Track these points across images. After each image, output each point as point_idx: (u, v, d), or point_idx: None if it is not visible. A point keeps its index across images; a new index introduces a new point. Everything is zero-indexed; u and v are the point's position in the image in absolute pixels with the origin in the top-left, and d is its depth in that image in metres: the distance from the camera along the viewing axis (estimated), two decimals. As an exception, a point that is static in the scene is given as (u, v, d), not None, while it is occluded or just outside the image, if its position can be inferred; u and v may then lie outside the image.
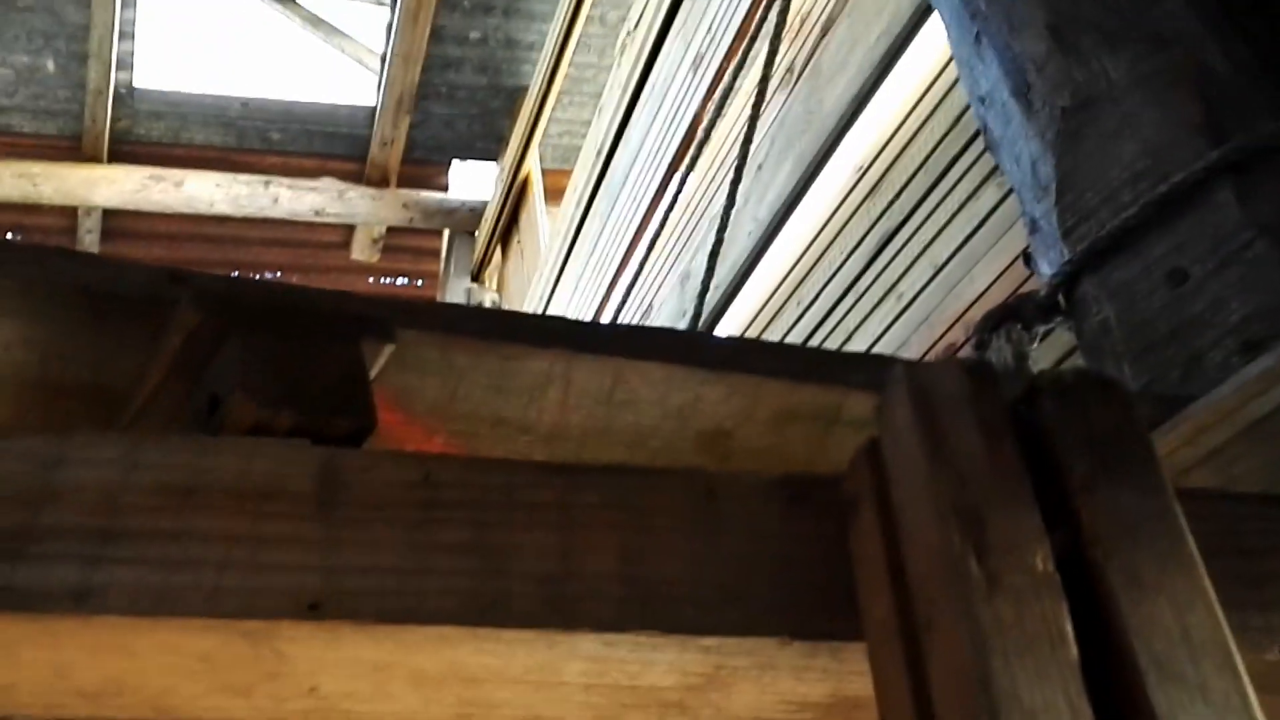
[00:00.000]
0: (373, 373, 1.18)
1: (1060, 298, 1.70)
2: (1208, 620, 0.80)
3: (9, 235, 8.08)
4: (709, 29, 4.85)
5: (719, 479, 1.05)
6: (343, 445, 1.02)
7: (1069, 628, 0.79)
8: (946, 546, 0.83)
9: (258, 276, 8.66)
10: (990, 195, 2.86)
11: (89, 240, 8.04)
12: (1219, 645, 0.79)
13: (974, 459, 0.88)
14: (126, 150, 8.03)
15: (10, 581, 0.88)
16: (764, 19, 3.99)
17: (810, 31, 3.90)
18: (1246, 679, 0.78)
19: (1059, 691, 0.75)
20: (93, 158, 7.87)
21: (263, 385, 1.03)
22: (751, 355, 1.46)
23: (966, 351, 2.19)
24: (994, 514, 0.85)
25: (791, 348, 1.94)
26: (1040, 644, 0.77)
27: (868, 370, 1.38)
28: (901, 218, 3.22)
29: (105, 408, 1.17)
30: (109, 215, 8.13)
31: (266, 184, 8.08)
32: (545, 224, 7.70)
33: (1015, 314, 1.73)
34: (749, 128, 3.67)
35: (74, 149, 7.89)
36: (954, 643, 0.79)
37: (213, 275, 1.14)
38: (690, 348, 1.43)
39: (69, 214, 8.08)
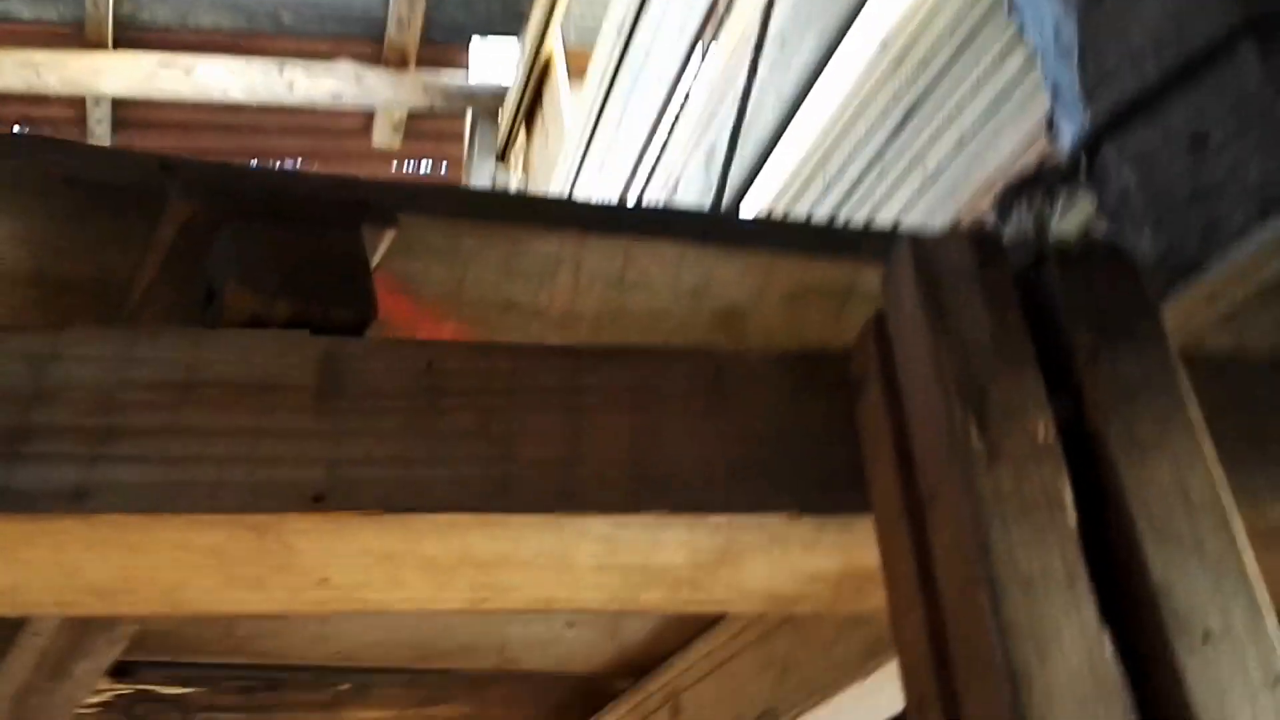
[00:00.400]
0: (375, 259, 1.18)
1: (1081, 165, 1.68)
2: (1206, 481, 0.81)
3: (15, 128, 8.03)
4: (728, -106, 4.76)
5: (727, 358, 1.05)
6: (344, 335, 1.03)
7: (1068, 494, 0.79)
8: (949, 418, 0.83)
9: (276, 164, 8.64)
10: (1015, 61, 2.82)
11: (100, 131, 7.98)
12: (1216, 505, 0.80)
13: (978, 331, 0.88)
14: (133, 36, 7.92)
15: (7, 482, 0.89)
16: (783, -118, 3.92)
17: (832, -106, 3.83)
18: (1243, 537, 0.78)
19: (1056, 557, 0.76)
20: (97, 44, 7.78)
21: (259, 275, 1.03)
22: (764, 232, 1.46)
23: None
24: (996, 385, 0.85)
25: (804, 223, 1.93)
26: (1039, 512, 0.78)
27: (881, 243, 1.38)
28: (926, 87, 3.18)
29: (106, 301, 1.18)
30: (119, 105, 8.06)
31: (281, 69, 8.00)
32: (569, 103, 7.63)
33: (1035, 183, 1.72)
34: (770, -4, 3.62)
35: (77, 35, 7.78)
36: (955, 513, 0.80)
37: (204, 163, 1.14)
38: (702, 226, 1.42)
39: (77, 105, 8.01)
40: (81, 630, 1.33)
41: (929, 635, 0.80)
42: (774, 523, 0.97)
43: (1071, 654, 0.72)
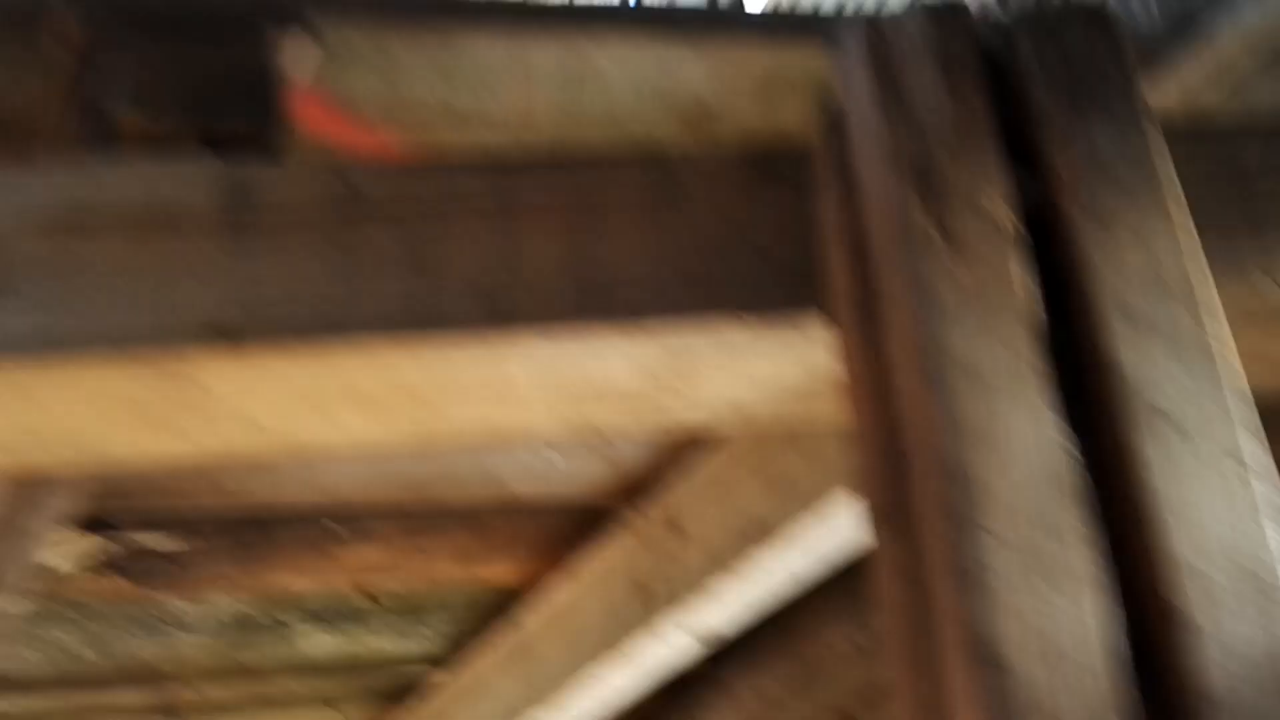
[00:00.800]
0: (301, 73, 1.12)
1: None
2: (1180, 262, 0.74)
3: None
4: None
5: (678, 162, 0.99)
6: (255, 156, 0.97)
7: (1028, 282, 0.73)
8: (901, 207, 0.77)
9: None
10: None
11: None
12: (1189, 286, 0.73)
13: (935, 110, 0.81)
14: None
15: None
16: None
17: None
18: (1220, 319, 0.72)
19: (1013, 351, 0.70)
20: None
21: (155, 95, 0.97)
22: (729, 19, 1.38)
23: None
24: (955, 168, 0.78)
25: (774, 8, 1.85)
26: (997, 303, 0.72)
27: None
28: None
29: (12, 139, 1.12)
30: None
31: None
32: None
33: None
34: None
35: None
36: (907, 308, 0.74)
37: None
38: (661, 17, 1.35)
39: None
40: (28, 487, 1.30)
41: (884, 440, 0.75)
42: (723, 328, 0.91)
43: (1025, 451, 0.67)
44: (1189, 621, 0.62)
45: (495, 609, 2.19)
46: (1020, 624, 0.62)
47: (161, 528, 1.81)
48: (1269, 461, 0.68)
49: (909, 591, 0.70)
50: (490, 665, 2.25)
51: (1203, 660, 0.61)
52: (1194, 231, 0.76)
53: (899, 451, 0.74)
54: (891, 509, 0.74)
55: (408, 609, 2.21)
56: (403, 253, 0.93)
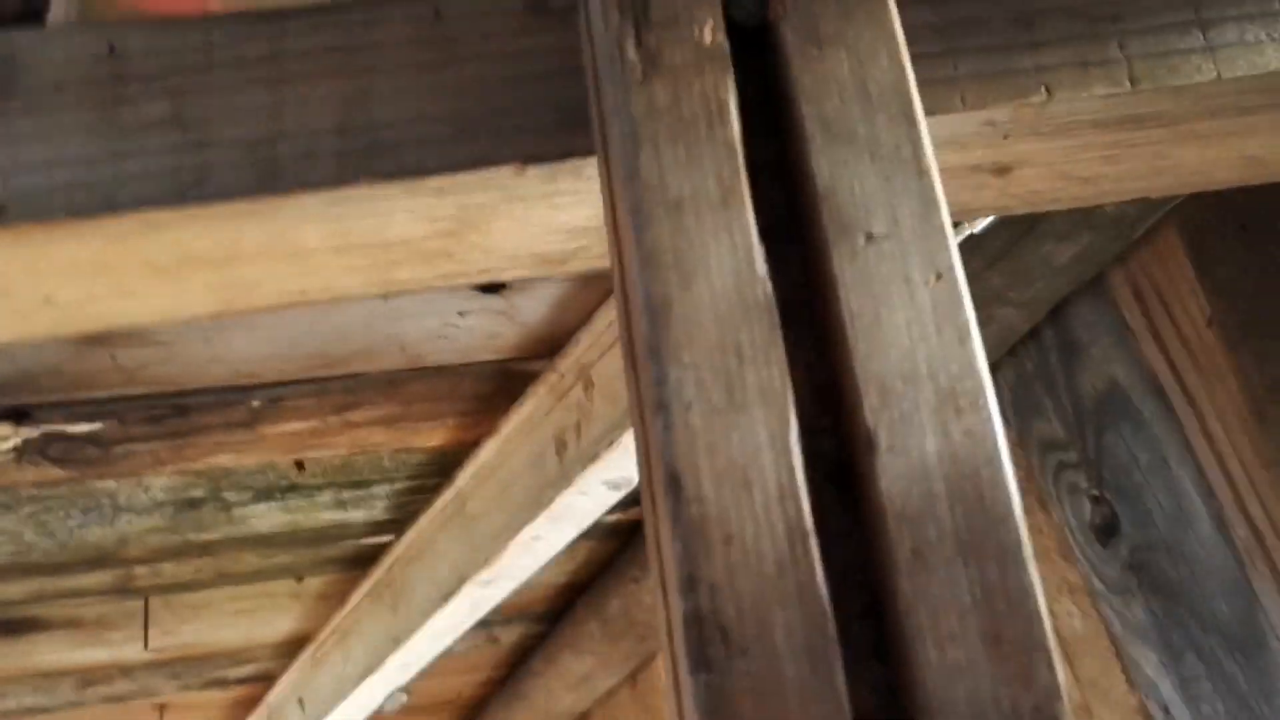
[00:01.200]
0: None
1: None
2: (890, 73, 0.70)
3: None
4: None
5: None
6: (19, 27, 0.93)
7: (731, 103, 0.69)
8: (613, 35, 0.73)
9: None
10: None
11: None
12: (898, 98, 0.69)
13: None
14: None
15: None
16: None
17: None
18: (923, 130, 0.68)
19: (710, 175, 0.66)
20: None
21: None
22: None
23: None
24: (669, -8, 0.74)
25: None
26: (696, 126, 0.68)
27: None
28: None
29: None
30: None
31: None
32: None
33: None
34: None
35: None
36: (618, 142, 0.71)
37: None
38: None
39: None
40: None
41: (618, 278, 0.73)
42: (501, 179, 0.89)
43: (718, 277, 0.64)
44: (879, 441, 0.60)
45: (435, 474, 2.19)
46: (710, 454, 0.60)
47: (71, 412, 1.80)
48: (960, 273, 0.64)
49: (641, 431, 0.68)
50: (434, 529, 2.25)
51: (890, 477, 0.59)
52: (903, 44, 0.72)
53: (625, 288, 0.72)
54: (629, 349, 0.71)
55: (351, 481, 2.21)
56: (168, 114, 0.91)
